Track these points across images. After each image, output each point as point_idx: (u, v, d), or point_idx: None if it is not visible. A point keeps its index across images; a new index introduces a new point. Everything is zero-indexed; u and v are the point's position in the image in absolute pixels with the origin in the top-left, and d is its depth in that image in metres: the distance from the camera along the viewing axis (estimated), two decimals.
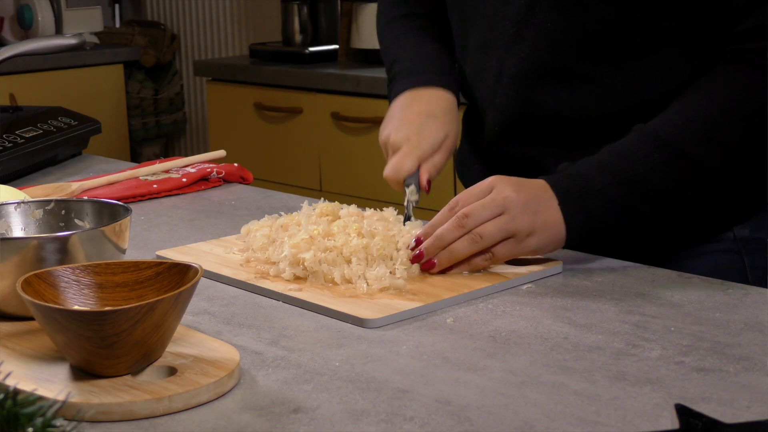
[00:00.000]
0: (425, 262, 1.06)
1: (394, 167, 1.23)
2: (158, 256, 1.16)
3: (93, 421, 0.76)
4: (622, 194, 1.09)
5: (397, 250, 1.07)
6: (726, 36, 1.12)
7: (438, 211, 1.09)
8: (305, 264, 1.05)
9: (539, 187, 1.09)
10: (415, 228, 1.11)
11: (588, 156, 1.12)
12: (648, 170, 1.09)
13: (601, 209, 1.09)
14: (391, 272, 1.04)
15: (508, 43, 1.23)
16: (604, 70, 1.18)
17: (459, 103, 1.35)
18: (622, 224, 1.10)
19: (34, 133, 1.66)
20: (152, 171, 1.54)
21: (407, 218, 1.17)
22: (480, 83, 1.29)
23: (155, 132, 4.17)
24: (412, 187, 1.21)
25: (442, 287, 1.03)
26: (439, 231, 1.06)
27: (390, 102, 1.36)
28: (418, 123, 1.26)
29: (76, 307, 0.86)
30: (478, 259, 1.06)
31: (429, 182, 1.23)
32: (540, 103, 1.22)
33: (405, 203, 1.20)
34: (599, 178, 1.09)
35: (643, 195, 1.09)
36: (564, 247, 1.10)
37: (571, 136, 1.22)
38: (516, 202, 1.06)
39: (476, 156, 1.37)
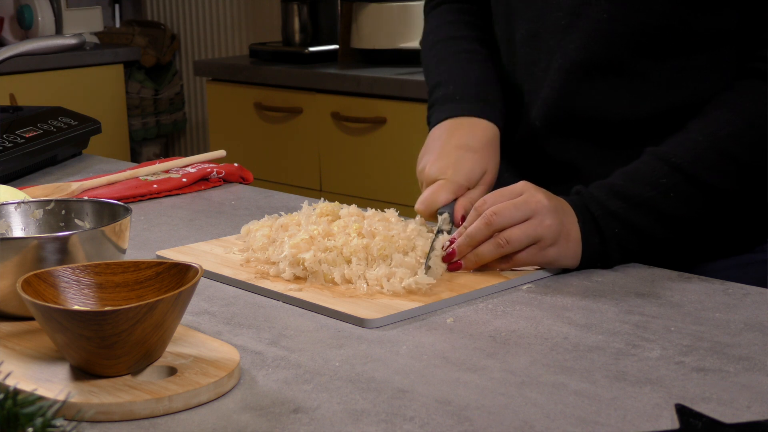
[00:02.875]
0: (453, 264, 1.06)
1: (428, 200, 1.17)
2: (158, 256, 1.16)
3: (93, 421, 0.76)
4: (636, 218, 1.09)
5: (412, 250, 1.07)
6: (748, 49, 1.12)
7: None
8: (305, 264, 1.05)
9: (563, 202, 1.09)
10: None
11: (625, 160, 1.12)
12: (658, 194, 1.09)
13: (614, 231, 1.08)
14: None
15: (559, 34, 1.20)
16: (657, 67, 1.16)
17: (502, 134, 1.29)
18: (638, 245, 1.10)
19: (34, 133, 1.66)
20: (152, 171, 1.54)
21: (428, 261, 1.07)
22: (527, 76, 1.27)
23: (155, 132, 4.17)
24: (446, 215, 1.14)
25: (442, 287, 1.03)
26: (469, 230, 1.06)
27: (429, 128, 1.30)
28: (455, 156, 1.20)
29: (76, 307, 0.86)
30: (498, 262, 1.07)
31: (464, 218, 1.14)
32: (587, 97, 1.20)
33: (434, 235, 1.10)
34: (611, 201, 1.09)
35: (656, 219, 1.09)
36: (578, 268, 1.09)
37: (613, 135, 1.20)
38: (547, 207, 1.06)
39: (507, 161, 1.31)
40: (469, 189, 1.19)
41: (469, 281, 1.05)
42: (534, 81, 1.25)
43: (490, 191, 1.18)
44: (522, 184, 1.08)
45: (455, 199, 1.17)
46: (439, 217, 1.15)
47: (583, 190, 1.11)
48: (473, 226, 1.06)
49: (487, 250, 1.05)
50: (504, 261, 1.07)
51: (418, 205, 1.18)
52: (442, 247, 1.07)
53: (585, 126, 1.21)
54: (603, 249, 1.08)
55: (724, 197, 1.11)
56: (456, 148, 1.22)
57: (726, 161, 1.09)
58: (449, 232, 1.13)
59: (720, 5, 1.13)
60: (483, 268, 1.07)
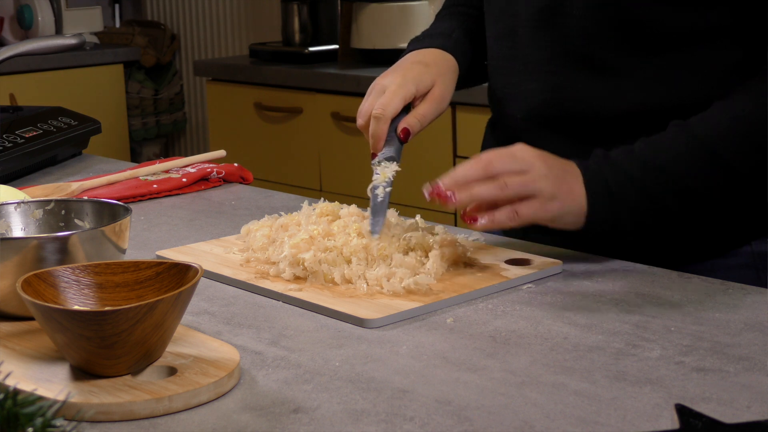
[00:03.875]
0: (443, 197, 1.03)
1: (382, 104, 1.17)
2: (158, 256, 1.16)
3: (93, 421, 0.76)
4: (650, 182, 1.07)
5: (411, 250, 1.07)
6: None
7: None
8: (305, 264, 1.05)
9: (566, 162, 1.08)
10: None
11: None
12: (678, 164, 1.08)
13: (625, 193, 1.07)
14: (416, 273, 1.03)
15: (535, 30, 1.21)
16: (633, 62, 1.15)
17: (462, 73, 1.29)
18: (648, 214, 1.08)
19: (34, 133, 1.66)
20: (152, 171, 1.54)
21: (378, 210, 1.08)
22: (506, 71, 1.27)
23: (155, 132, 4.17)
24: (384, 163, 1.14)
25: (442, 287, 1.03)
26: (461, 171, 1.04)
27: None
28: (405, 67, 1.23)
29: (76, 307, 0.86)
30: (501, 214, 1.04)
31: (405, 131, 1.16)
32: (564, 93, 1.20)
33: (371, 187, 1.12)
34: (628, 162, 1.08)
35: (672, 188, 1.08)
36: (585, 230, 1.07)
37: (592, 131, 1.20)
38: (541, 165, 1.05)
39: None
40: (416, 97, 1.20)
41: (469, 281, 1.05)
42: (513, 76, 1.26)
43: (438, 107, 1.21)
44: (518, 144, 1.08)
45: (392, 150, 1.17)
46: (376, 168, 1.14)
47: (601, 151, 1.10)
48: (467, 169, 1.04)
49: (484, 188, 1.03)
50: (508, 214, 1.04)
51: (377, 109, 1.16)
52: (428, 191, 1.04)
53: (564, 122, 1.21)
54: (613, 210, 1.07)
55: (740, 181, 1.09)
56: (409, 62, 1.25)
57: (747, 144, 1.08)
58: (390, 181, 1.13)
59: (695, 3, 1.12)
60: (496, 223, 1.04)
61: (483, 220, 1.04)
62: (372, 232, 1.07)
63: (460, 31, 1.33)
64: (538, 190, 1.04)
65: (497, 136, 1.33)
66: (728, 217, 1.17)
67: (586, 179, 1.07)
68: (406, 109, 1.20)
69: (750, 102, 1.09)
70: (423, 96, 1.22)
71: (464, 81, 1.31)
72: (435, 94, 1.22)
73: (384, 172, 1.15)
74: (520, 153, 1.06)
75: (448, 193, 1.03)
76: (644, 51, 1.15)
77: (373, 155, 1.18)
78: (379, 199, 1.12)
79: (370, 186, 1.14)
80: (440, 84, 1.23)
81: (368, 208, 1.12)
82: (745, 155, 1.08)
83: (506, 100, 1.28)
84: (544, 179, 1.04)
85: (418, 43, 1.31)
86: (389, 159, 1.17)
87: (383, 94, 1.19)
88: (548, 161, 1.06)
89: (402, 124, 1.18)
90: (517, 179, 1.04)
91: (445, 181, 1.04)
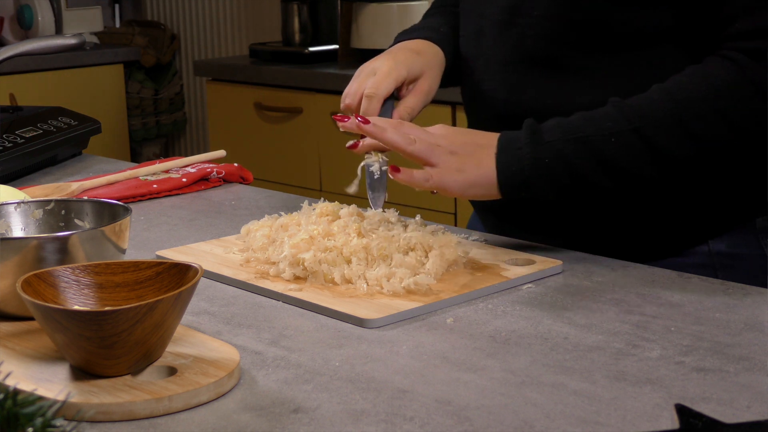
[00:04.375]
0: (354, 122, 1.09)
1: (375, 84, 1.19)
2: (158, 256, 1.16)
3: (93, 421, 0.76)
4: (568, 150, 1.09)
5: (411, 250, 1.08)
6: (721, 35, 1.12)
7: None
8: (305, 264, 1.05)
9: (484, 136, 1.12)
10: (415, 229, 1.11)
11: None
12: (601, 136, 1.09)
13: (537, 159, 1.09)
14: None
15: (498, 30, 1.23)
16: (594, 63, 1.17)
17: (448, 66, 1.31)
18: (569, 179, 1.09)
19: (34, 133, 1.66)
20: (152, 171, 1.54)
21: (377, 186, 1.14)
22: (472, 71, 1.29)
23: (155, 132, 4.17)
24: (375, 166, 1.17)
25: (442, 287, 1.03)
26: (377, 119, 1.10)
27: None
28: (396, 53, 1.25)
29: (76, 307, 0.86)
30: (419, 173, 1.07)
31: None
32: (527, 92, 1.21)
33: (364, 165, 1.16)
34: (551, 132, 1.10)
35: (593, 159, 1.09)
36: (502, 192, 1.10)
37: None
38: (449, 142, 1.09)
39: None
40: (406, 83, 1.22)
41: (469, 281, 1.05)
42: (478, 76, 1.27)
43: (425, 100, 1.23)
44: (438, 124, 1.13)
45: (379, 153, 1.19)
46: (368, 169, 1.17)
47: (531, 121, 1.12)
48: (384, 119, 1.10)
49: (395, 134, 1.08)
50: (425, 176, 1.07)
51: (369, 89, 1.19)
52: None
53: (523, 122, 1.21)
54: (526, 177, 1.09)
55: (671, 162, 1.09)
56: (398, 49, 1.26)
57: (675, 125, 1.08)
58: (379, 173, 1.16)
59: (651, 2, 1.13)
60: (415, 181, 1.07)
61: (401, 174, 1.07)
62: (374, 207, 1.13)
63: (447, 27, 1.35)
64: (442, 161, 1.08)
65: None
66: (683, 214, 1.19)
67: (498, 150, 1.10)
68: (393, 94, 1.23)
69: (686, 83, 1.10)
70: (412, 83, 1.23)
71: (449, 77, 1.32)
72: (423, 88, 1.24)
73: (377, 153, 1.17)
74: (433, 128, 1.11)
75: (359, 118, 1.08)
76: (600, 51, 1.17)
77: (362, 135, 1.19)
78: (376, 176, 1.16)
79: (363, 164, 1.17)
80: (428, 77, 1.25)
81: (366, 187, 1.17)
82: (672, 135, 1.08)
83: (473, 100, 1.31)
84: (447, 154, 1.08)
85: (406, 35, 1.33)
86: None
87: (374, 75, 1.21)
88: (459, 137, 1.10)
89: (396, 116, 1.20)
90: (425, 138, 1.09)
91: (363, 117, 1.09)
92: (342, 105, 1.22)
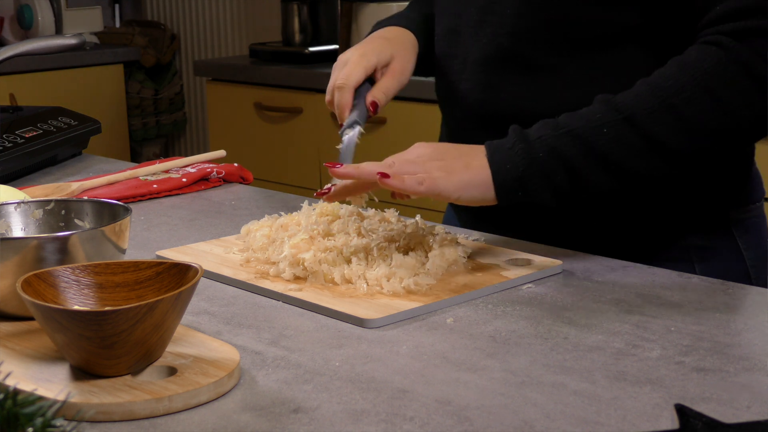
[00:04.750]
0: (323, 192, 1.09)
1: (344, 75, 1.21)
2: (158, 256, 1.16)
3: (93, 421, 0.76)
4: (560, 144, 1.08)
5: (411, 250, 1.08)
6: (699, 25, 1.12)
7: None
8: (305, 264, 1.05)
9: (467, 146, 1.11)
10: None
11: None
12: (591, 128, 1.08)
13: (537, 155, 1.07)
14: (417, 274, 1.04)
15: (473, 29, 1.23)
16: (565, 62, 1.17)
17: (422, 51, 1.33)
18: (567, 182, 1.08)
19: (34, 133, 1.66)
20: (152, 171, 1.54)
21: (343, 159, 1.14)
22: (447, 69, 1.29)
23: (155, 132, 4.17)
24: (352, 133, 1.19)
25: (442, 287, 1.03)
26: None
27: None
28: (366, 42, 1.27)
29: (76, 307, 0.86)
30: (410, 178, 1.05)
31: (374, 104, 1.21)
32: (501, 91, 1.21)
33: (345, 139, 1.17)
34: (540, 130, 1.09)
35: (586, 152, 1.07)
36: (501, 202, 1.08)
37: None
38: (428, 151, 1.09)
39: None
40: (377, 68, 1.24)
41: (469, 281, 1.05)
42: (453, 75, 1.28)
43: (400, 80, 1.25)
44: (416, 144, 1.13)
45: (356, 117, 1.20)
46: (344, 135, 1.18)
47: (517, 127, 1.12)
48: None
49: (371, 164, 1.06)
50: (418, 180, 1.05)
51: (339, 80, 1.21)
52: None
53: (498, 122, 1.22)
54: (520, 175, 1.07)
55: (665, 152, 1.08)
56: (369, 38, 1.29)
57: (666, 111, 1.07)
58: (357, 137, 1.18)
59: (621, 2, 1.13)
60: (408, 187, 1.05)
61: (392, 180, 1.05)
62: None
63: (420, 16, 1.37)
64: (428, 168, 1.07)
65: (442, 137, 1.37)
66: (661, 210, 1.20)
67: (489, 152, 1.09)
68: (371, 81, 1.24)
69: (671, 71, 1.09)
70: (384, 68, 1.25)
71: (424, 64, 1.33)
72: (395, 69, 1.25)
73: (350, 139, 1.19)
74: (409, 149, 1.10)
75: (338, 166, 1.07)
76: (570, 51, 1.17)
77: (341, 125, 1.21)
78: (346, 145, 1.17)
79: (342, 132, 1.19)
80: (400, 58, 1.26)
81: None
82: (664, 123, 1.07)
83: (447, 99, 1.31)
84: (431, 161, 1.08)
85: (378, 26, 1.35)
86: (353, 124, 1.19)
87: (345, 66, 1.23)
88: (440, 147, 1.10)
89: (369, 98, 1.21)
90: (402, 158, 1.08)
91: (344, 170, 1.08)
92: (326, 100, 1.24)
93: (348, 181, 1.09)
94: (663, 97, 1.07)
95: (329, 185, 1.10)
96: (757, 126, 1.08)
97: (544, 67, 1.18)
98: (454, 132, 1.31)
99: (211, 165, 1.56)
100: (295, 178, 3.16)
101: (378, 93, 1.22)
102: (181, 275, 0.86)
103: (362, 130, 1.19)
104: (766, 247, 1.28)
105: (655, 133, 1.07)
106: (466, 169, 1.08)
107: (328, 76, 1.28)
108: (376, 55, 1.24)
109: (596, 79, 1.17)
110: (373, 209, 1.20)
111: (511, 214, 1.21)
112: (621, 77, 1.14)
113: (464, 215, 1.33)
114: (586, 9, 1.14)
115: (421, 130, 2.63)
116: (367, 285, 1.02)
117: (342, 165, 1.07)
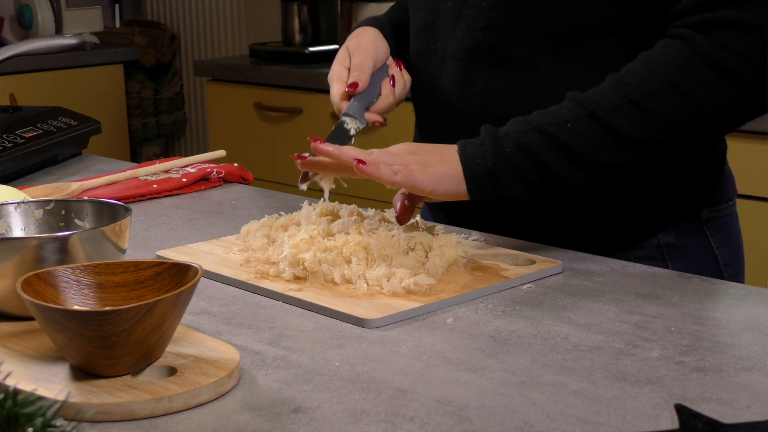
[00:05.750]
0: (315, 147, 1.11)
1: (359, 61, 1.25)
2: (158, 256, 1.16)
3: (93, 421, 0.76)
4: (527, 140, 1.09)
5: (411, 250, 1.08)
6: (667, 18, 1.12)
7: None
8: (305, 264, 1.05)
9: (440, 144, 1.13)
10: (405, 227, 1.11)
11: None
12: (557, 124, 1.09)
13: (504, 151, 1.09)
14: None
15: (450, 23, 1.23)
16: (541, 57, 1.17)
17: (390, 45, 1.35)
18: (537, 176, 1.09)
19: (34, 133, 1.66)
20: (152, 171, 1.54)
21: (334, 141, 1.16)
22: (424, 65, 1.29)
23: (155, 132, 4.17)
24: (349, 119, 1.22)
25: (442, 287, 1.03)
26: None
27: None
28: (343, 51, 1.30)
29: (76, 307, 0.86)
30: (385, 167, 1.07)
31: (392, 78, 1.25)
32: (477, 86, 1.22)
33: (345, 127, 1.20)
34: (509, 126, 1.11)
35: (552, 146, 1.09)
36: (473, 196, 1.10)
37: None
38: (406, 146, 1.12)
39: None
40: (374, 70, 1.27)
41: (469, 281, 1.05)
42: (431, 71, 1.28)
43: (374, 57, 1.27)
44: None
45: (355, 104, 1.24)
46: (347, 119, 1.22)
47: (489, 126, 1.13)
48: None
49: (352, 149, 1.09)
50: (393, 170, 1.07)
51: (357, 82, 1.24)
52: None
53: (476, 118, 1.21)
54: (489, 168, 1.09)
55: (630, 143, 1.08)
56: (350, 49, 1.31)
57: (629, 106, 1.08)
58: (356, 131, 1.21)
59: None
60: (384, 176, 1.07)
61: (368, 168, 1.07)
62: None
63: (388, 17, 1.40)
64: (404, 160, 1.09)
65: (415, 138, 1.38)
66: (633, 208, 1.20)
67: (460, 148, 1.11)
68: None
69: (636, 66, 1.10)
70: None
71: (398, 53, 1.36)
72: (369, 47, 1.29)
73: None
74: (391, 147, 1.12)
75: (319, 141, 1.11)
76: (545, 46, 1.17)
77: (349, 95, 1.25)
78: (347, 134, 1.20)
79: (342, 118, 1.22)
80: (366, 39, 1.30)
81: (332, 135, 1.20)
82: (628, 116, 1.08)
83: (425, 97, 1.31)
84: (408, 154, 1.10)
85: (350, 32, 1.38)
86: (355, 116, 1.22)
87: (356, 52, 1.27)
88: (418, 145, 1.13)
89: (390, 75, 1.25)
90: (383, 151, 1.10)
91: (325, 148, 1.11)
92: (345, 88, 1.27)
93: (326, 159, 1.12)
94: (626, 92, 1.08)
95: (307, 154, 1.13)
96: (724, 117, 1.09)
97: (519, 63, 1.19)
98: (429, 131, 1.31)
99: (211, 165, 1.56)
100: (295, 178, 3.14)
101: (399, 77, 1.25)
102: (181, 275, 0.86)
103: (361, 125, 1.21)
104: (738, 245, 1.29)
105: (618, 126, 1.08)
106: (440, 163, 1.10)
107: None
108: (374, 61, 1.26)
109: (573, 74, 1.17)
110: (373, 209, 1.20)
111: (484, 211, 1.22)
112: (597, 72, 1.14)
113: (440, 213, 1.34)
114: (562, 1, 1.15)
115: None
116: (367, 285, 1.02)
117: (324, 142, 1.11)
